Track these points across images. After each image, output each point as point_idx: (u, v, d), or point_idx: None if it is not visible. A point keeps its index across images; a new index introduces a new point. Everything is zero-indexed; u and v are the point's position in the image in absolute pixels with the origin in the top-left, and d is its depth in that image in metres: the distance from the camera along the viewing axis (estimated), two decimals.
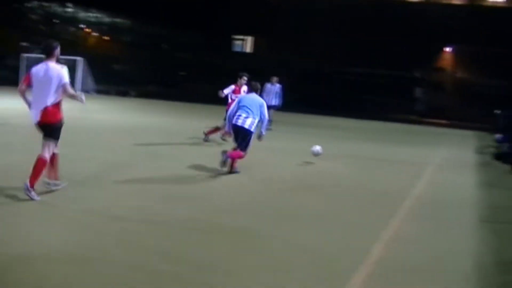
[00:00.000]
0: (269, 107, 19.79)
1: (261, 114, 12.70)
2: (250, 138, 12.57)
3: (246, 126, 12.39)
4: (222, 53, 57.77)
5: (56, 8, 71.83)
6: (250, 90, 13.69)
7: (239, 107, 12.73)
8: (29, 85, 8.87)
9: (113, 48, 67.60)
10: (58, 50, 9.00)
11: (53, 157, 9.10)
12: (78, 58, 45.46)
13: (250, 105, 12.62)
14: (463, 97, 48.44)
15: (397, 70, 49.91)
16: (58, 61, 9.07)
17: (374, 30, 52.69)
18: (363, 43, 52.44)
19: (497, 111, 33.59)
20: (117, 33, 71.98)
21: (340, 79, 49.62)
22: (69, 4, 70.64)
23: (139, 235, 7.23)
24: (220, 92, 17.82)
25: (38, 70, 8.85)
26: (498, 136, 26.90)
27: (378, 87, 47.54)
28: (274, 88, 24.71)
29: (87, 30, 73.67)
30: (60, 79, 8.72)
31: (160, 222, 7.94)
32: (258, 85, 13.68)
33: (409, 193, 11.67)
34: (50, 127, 8.89)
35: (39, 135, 8.95)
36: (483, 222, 9.62)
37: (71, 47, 62.89)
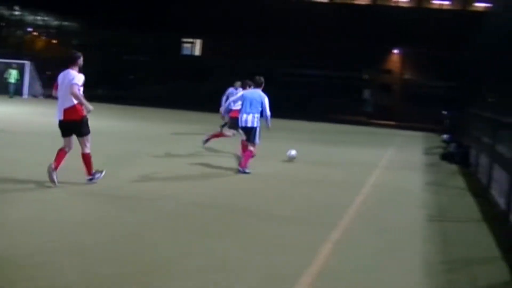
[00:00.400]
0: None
1: (263, 108, 13.96)
2: (255, 132, 13.99)
3: (249, 124, 13.89)
4: (172, 56, 57.56)
5: (3, 11, 70.77)
6: (255, 85, 14.62)
7: (242, 105, 14.20)
8: (57, 90, 10.57)
9: (62, 52, 66.81)
10: (81, 60, 10.83)
11: (63, 151, 10.47)
12: (26, 62, 44.92)
13: (251, 101, 13.95)
14: (410, 98, 49.04)
15: (346, 71, 50.35)
16: (80, 70, 10.75)
17: (323, 32, 53.01)
18: (313, 44, 52.70)
19: (444, 112, 34.22)
20: (65, 36, 71.14)
21: (289, 80, 49.81)
22: (16, 7, 69.64)
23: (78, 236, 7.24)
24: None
25: (60, 76, 10.61)
26: (445, 136, 27.41)
27: (327, 89, 47.93)
28: (237, 92, 23.33)
29: (34, 33, 72.78)
30: (72, 80, 10.26)
31: (105, 224, 7.97)
32: (262, 79, 14.49)
33: (357, 194, 11.83)
34: (76, 124, 10.43)
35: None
36: (429, 221, 9.81)
37: (18, 51, 62.25)
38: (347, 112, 44.99)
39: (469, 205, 11.80)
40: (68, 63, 10.69)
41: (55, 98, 10.64)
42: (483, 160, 14.45)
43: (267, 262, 6.86)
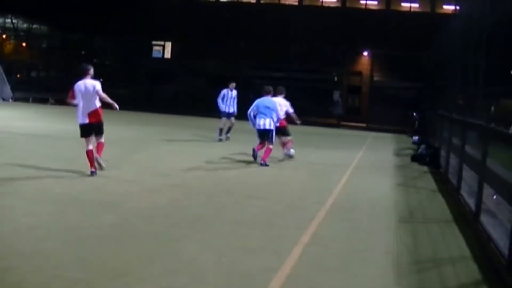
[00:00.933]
0: (228, 115, 22.02)
1: (276, 112, 16.61)
2: (272, 133, 16.46)
3: (267, 127, 16.32)
4: (141, 59, 57.34)
5: None
6: (265, 93, 17.04)
7: (257, 112, 16.47)
8: (73, 97, 12.48)
9: (30, 55, 66.39)
10: (91, 70, 12.76)
11: (100, 145, 12.79)
12: None
13: (264, 108, 16.40)
14: (380, 100, 49.24)
15: (315, 73, 50.42)
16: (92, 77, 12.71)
17: (292, 33, 53.21)
18: (283, 47, 52.86)
19: (413, 113, 34.39)
20: (33, 40, 70.68)
21: (256, 83, 49.89)
22: None
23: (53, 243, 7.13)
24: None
25: (79, 85, 12.50)
26: (414, 137, 27.54)
27: (295, 91, 47.94)
28: (231, 94, 22.86)
29: (3, 36, 72.15)
30: (94, 87, 12.40)
31: (75, 229, 7.85)
32: (270, 88, 17.32)
33: (327, 196, 11.81)
34: (98, 125, 12.74)
35: None
36: (400, 222, 9.81)
37: None
38: (317, 115, 44.97)
39: (439, 205, 11.84)
40: (82, 75, 12.61)
41: (69, 104, 13.02)
42: (453, 161, 14.51)
43: (236, 265, 6.79)
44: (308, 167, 16.93)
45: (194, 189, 11.75)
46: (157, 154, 17.54)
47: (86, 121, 12.50)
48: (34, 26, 71.47)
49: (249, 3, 60.94)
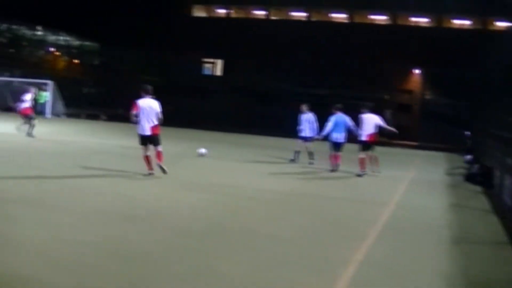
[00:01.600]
0: (301, 139, 21.73)
1: (349, 127, 19.39)
2: (343, 145, 19.44)
3: (342, 140, 19.41)
4: (191, 76, 57.79)
5: (25, 31, 71.44)
6: (337, 110, 19.58)
7: (334, 127, 19.25)
8: (137, 111, 14.95)
9: (82, 71, 67.30)
10: (151, 90, 15.35)
11: (159, 153, 15.05)
12: (48, 82, 45.17)
13: (340, 125, 19.24)
14: (431, 118, 48.75)
15: (366, 91, 50.11)
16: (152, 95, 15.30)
17: (343, 51, 53.05)
18: (331, 64, 52.74)
19: (466, 132, 33.87)
20: (85, 56, 71.71)
21: (306, 100, 49.83)
22: (39, 27, 70.28)
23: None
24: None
25: (143, 102, 15.05)
26: (467, 157, 27.09)
27: (345, 109, 47.52)
28: (305, 116, 21.99)
29: (56, 53, 73.30)
30: (157, 109, 15.05)
31: (125, 244, 7.87)
32: (340, 106, 19.80)
33: (378, 214, 11.66)
34: (156, 137, 15.09)
35: None
36: (453, 243, 9.63)
37: (40, 70, 62.71)
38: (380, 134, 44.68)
39: (493, 227, 11.58)
40: (145, 93, 15.24)
41: (134, 117, 15.04)
42: (508, 181, 14.21)
43: (277, 283, 6.73)
44: (357, 184, 16.79)
45: (234, 204, 11.70)
46: (202, 169, 17.60)
47: (147, 133, 14.94)
48: (86, 43, 72.48)
49: (299, 20, 61.04)
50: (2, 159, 16.87)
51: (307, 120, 21.89)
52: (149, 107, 14.96)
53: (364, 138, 19.07)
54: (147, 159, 15.11)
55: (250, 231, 9.37)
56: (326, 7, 60.56)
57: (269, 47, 55.05)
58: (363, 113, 19.25)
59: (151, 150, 15.16)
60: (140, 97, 15.20)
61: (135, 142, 15.46)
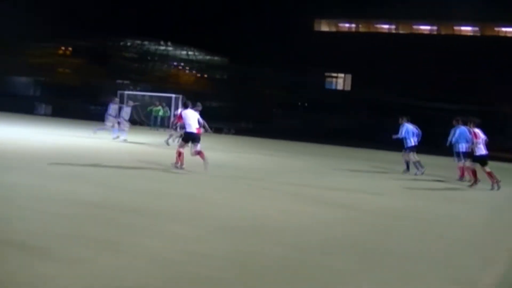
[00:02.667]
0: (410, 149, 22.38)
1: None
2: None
3: (463, 150, 20.55)
4: (315, 90, 57.80)
5: (151, 46, 73.55)
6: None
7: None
8: (180, 121, 20.44)
9: (207, 85, 68.50)
10: (190, 104, 18.58)
11: (201, 152, 17.65)
12: (173, 95, 46.13)
13: (465, 136, 20.65)
14: None
15: (483, 105, 48.52)
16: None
17: (469, 65, 51.76)
18: (458, 79, 51.55)
19: None
20: (209, 71, 73.01)
21: (430, 114, 48.76)
22: (163, 42, 72.20)
23: None
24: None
25: (186, 112, 18.21)
26: None
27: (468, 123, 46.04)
28: (407, 126, 22.59)
29: (180, 67, 75.01)
30: (199, 117, 18.17)
31: (250, 258, 7.67)
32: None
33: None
34: (199, 137, 18.04)
35: None
36: None
37: (165, 85, 64.33)
38: (488, 148, 43.29)
39: None
40: (186, 106, 18.57)
41: (174, 123, 20.60)
42: None
43: None
44: (490, 203, 16.12)
45: (364, 221, 11.33)
46: (328, 184, 17.28)
47: (196, 132, 17.93)
48: (210, 57, 73.82)
49: (426, 34, 60.09)
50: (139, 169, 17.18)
51: (409, 131, 22.50)
52: (192, 116, 18.08)
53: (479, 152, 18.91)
54: (181, 155, 17.93)
55: (383, 247, 9.04)
56: (454, 20, 59.28)
57: (394, 61, 54.43)
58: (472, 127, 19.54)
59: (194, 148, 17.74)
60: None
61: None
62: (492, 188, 18.39)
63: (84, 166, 17.03)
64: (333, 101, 55.66)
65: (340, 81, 63.41)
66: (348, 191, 16.10)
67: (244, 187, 15.08)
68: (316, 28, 65.92)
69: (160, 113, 44.84)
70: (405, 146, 22.48)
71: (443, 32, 60.88)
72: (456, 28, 61.20)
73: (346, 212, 12.22)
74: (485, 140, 19.14)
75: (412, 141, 22.32)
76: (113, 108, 29.39)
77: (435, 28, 61.63)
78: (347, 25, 65.89)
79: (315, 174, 20.26)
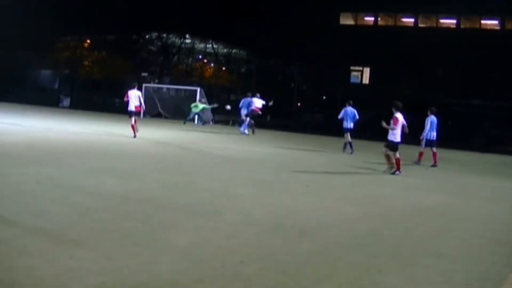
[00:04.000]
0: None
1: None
2: None
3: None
4: (339, 84, 57.61)
5: (174, 40, 73.72)
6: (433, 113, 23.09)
7: (433, 129, 22.89)
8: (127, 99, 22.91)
9: (229, 79, 68.55)
10: (136, 84, 20.92)
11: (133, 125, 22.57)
12: (197, 88, 46.23)
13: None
14: None
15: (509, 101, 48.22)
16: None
17: (496, 61, 51.28)
18: (482, 73, 51.14)
19: None
20: (232, 64, 73.04)
21: (456, 110, 48.48)
22: (187, 36, 72.32)
23: None
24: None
25: (129, 93, 24.02)
26: None
27: (496, 119, 45.76)
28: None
29: (204, 61, 75.10)
30: (140, 96, 23.43)
31: (274, 254, 7.73)
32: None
33: None
34: (136, 112, 19.91)
35: None
36: None
37: (188, 77, 64.47)
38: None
39: None
40: (134, 87, 23.18)
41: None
42: None
43: None
44: None
45: (395, 218, 11.34)
46: (354, 181, 17.25)
47: None
48: (233, 51, 73.81)
49: (448, 28, 59.64)
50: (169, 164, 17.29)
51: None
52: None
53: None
54: None
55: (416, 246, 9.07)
56: (478, 13, 58.78)
57: (417, 55, 54.04)
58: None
59: None
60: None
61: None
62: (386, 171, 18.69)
63: (109, 159, 17.19)
64: (358, 95, 55.49)
65: (363, 75, 63.10)
66: (377, 186, 16.10)
67: (269, 181, 15.11)
68: (341, 21, 65.64)
69: (200, 108, 44.24)
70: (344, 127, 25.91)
71: (467, 26, 60.39)
72: (481, 21, 60.66)
73: (372, 208, 12.24)
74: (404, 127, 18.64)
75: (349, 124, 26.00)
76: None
77: (458, 22, 61.13)
78: (371, 18, 65.53)
79: (342, 168, 20.21)
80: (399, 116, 18.30)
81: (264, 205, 11.44)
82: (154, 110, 48.91)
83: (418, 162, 23.31)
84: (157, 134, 29.12)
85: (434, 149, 23.40)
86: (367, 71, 62.23)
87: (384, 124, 18.46)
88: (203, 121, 44.03)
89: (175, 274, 6.57)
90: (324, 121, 50.98)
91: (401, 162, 18.52)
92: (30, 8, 59.80)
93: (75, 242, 7.52)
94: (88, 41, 72.42)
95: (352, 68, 62.68)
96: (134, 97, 24.78)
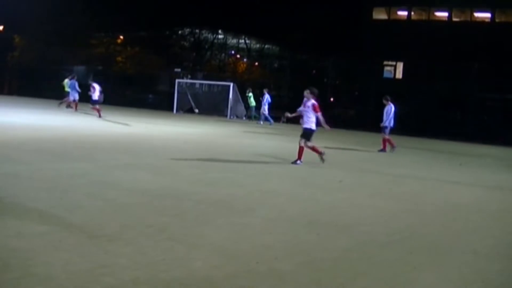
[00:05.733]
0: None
1: None
2: None
3: None
4: (371, 79, 57.23)
5: (207, 35, 73.86)
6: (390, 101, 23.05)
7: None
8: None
9: (262, 74, 68.48)
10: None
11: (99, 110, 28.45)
12: (230, 84, 46.26)
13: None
14: None
15: None
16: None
17: None
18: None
19: None
20: (265, 59, 72.96)
21: (491, 105, 47.90)
22: (220, 31, 72.40)
23: None
24: None
25: (94, 85, 31.92)
26: None
27: None
28: None
29: (236, 56, 75.12)
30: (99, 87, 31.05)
31: (309, 250, 7.68)
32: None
33: None
34: (99, 101, 28.77)
35: None
36: None
37: (221, 73, 64.56)
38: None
39: None
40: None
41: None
42: None
43: None
44: None
45: (430, 214, 11.22)
46: (387, 176, 17.09)
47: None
48: (266, 46, 73.73)
49: (483, 22, 58.94)
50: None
51: None
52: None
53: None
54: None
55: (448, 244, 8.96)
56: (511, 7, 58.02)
57: (451, 49, 53.53)
58: None
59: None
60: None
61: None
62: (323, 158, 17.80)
63: (141, 154, 17.26)
64: (390, 90, 55.03)
65: (396, 70, 62.60)
66: (411, 182, 15.97)
67: (302, 177, 15.05)
68: (374, 16, 65.20)
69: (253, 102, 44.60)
70: None
71: (502, 20, 59.62)
72: None
73: (408, 204, 12.14)
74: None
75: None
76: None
77: (493, 15, 60.32)
78: (404, 12, 64.97)
79: (374, 165, 20.08)
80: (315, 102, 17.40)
81: (299, 201, 11.40)
82: (186, 105, 49.10)
83: (384, 149, 24.14)
84: (192, 129, 29.20)
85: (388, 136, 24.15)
86: (400, 65, 61.63)
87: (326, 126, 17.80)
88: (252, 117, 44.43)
89: (210, 270, 6.57)
90: (357, 117, 50.67)
91: (303, 152, 17.68)
92: (65, 5, 60.43)
93: (109, 237, 7.54)
94: (121, 37, 72.89)
95: (385, 62, 62.16)
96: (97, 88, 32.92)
